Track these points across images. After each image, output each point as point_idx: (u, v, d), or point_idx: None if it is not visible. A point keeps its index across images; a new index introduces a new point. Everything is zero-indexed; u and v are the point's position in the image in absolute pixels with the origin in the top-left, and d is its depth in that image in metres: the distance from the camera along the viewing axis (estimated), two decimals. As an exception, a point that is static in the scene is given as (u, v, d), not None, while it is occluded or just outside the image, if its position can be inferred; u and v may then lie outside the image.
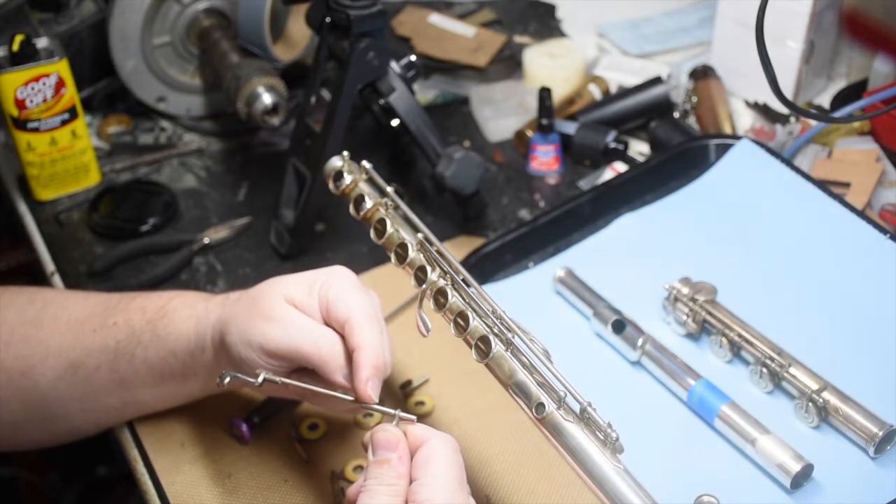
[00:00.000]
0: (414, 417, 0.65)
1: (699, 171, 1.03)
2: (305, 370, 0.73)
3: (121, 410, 0.83)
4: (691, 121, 1.18)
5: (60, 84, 1.07)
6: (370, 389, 0.68)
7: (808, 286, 0.90)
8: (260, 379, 0.68)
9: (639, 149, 1.16)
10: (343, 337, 0.71)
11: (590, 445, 0.63)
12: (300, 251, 1.04)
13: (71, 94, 1.08)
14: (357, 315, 0.71)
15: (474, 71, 1.28)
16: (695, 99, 1.18)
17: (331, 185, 0.81)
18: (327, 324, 0.73)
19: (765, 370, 0.83)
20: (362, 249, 1.04)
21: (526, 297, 0.94)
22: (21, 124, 1.07)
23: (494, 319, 0.68)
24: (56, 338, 0.81)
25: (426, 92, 1.25)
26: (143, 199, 1.12)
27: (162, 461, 0.82)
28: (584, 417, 0.64)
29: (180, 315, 0.78)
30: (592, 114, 1.17)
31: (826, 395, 0.79)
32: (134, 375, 0.79)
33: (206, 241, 1.06)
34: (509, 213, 1.09)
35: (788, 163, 0.99)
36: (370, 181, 0.80)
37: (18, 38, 1.04)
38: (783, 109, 1.16)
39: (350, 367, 0.70)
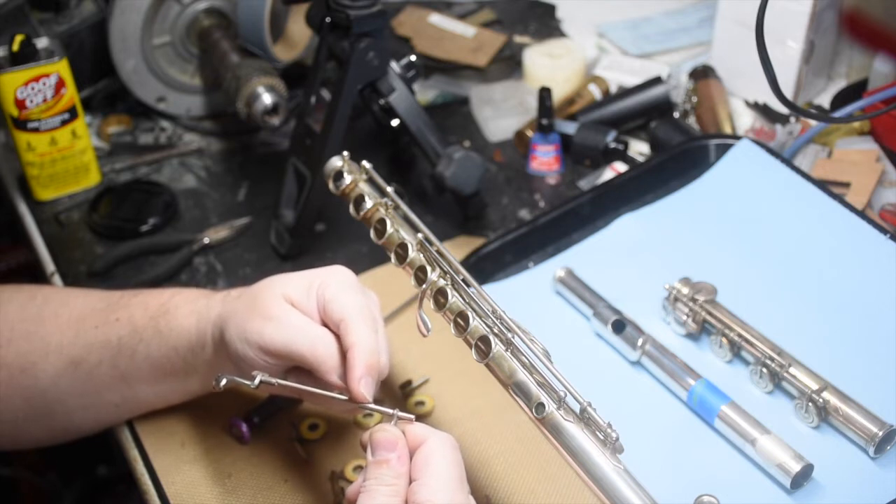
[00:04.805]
0: (412, 417, 0.65)
1: (699, 171, 1.03)
2: (303, 369, 0.73)
3: (121, 407, 0.83)
4: (691, 121, 1.18)
5: (60, 84, 1.07)
6: (363, 388, 0.68)
7: (808, 286, 0.90)
8: (256, 381, 0.68)
9: (639, 149, 1.16)
10: (339, 337, 0.71)
11: (590, 445, 0.63)
12: (300, 251, 1.04)
13: (71, 94, 1.08)
14: (351, 315, 0.71)
15: (474, 71, 1.28)
16: (695, 99, 1.18)
17: (331, 185, 0.81)
18: (324, 323, 0.73)
19: (765, 370, 0.83)
20: (362, 249, 1.04)
21: (526, 297, 0.94)
22: (21, 124, 1.07)
23: (494, 319, 0.68)
24: (57, 334, 0.81)
25: (426, 92, 1.25)
26: (143, 199, 1.12)
27: (162, 461, 0.82)
28: (584, 417, 0.64)
29: (182, 311, 0.78)
30: (592, 114, 1.17)
31: (826, 395, 0.79)
32: (135, 372, 0.80)
33: (206, 241, 1.06)
34: (509, 213, 1.09)
35: (788, 163, 0.99)
36: (370, 181, 0.80)
37: (18, 38, 1.04)
38: (783, 109, 1.16)
39: (345, 368, 0.70)
